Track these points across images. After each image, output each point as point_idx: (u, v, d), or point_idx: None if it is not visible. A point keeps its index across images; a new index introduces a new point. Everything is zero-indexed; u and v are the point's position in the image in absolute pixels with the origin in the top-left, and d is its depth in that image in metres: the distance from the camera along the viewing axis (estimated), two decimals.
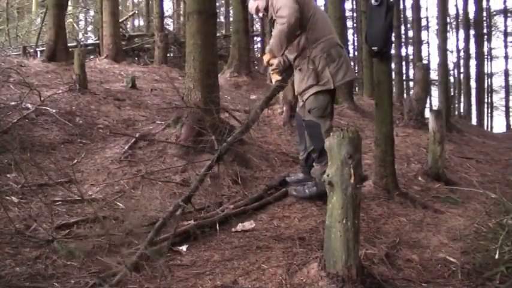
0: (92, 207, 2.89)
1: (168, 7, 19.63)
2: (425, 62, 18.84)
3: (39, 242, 2.48)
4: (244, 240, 2.72)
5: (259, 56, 3.53)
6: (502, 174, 5.10)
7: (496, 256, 2.34)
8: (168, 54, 11.39)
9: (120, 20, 11.30)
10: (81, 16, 19.01)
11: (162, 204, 3.18)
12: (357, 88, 15.30)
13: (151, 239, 2.42)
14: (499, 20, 21.10)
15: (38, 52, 10.21)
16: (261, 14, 3.35)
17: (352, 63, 17.57)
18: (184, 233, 2.67)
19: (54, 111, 4.91)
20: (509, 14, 20.64)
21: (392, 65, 8.04)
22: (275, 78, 3.33)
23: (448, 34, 15.03)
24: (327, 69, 3.09)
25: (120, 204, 3.21)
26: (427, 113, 5.99)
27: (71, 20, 14.47)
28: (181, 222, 2.74)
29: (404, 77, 18.01)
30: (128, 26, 17.20)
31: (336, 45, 3.17)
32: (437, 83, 14.23)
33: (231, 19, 11.59)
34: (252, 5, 3.34)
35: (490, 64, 20.87)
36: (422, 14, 20.36)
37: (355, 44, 20.74)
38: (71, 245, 2.49)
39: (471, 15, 18.17)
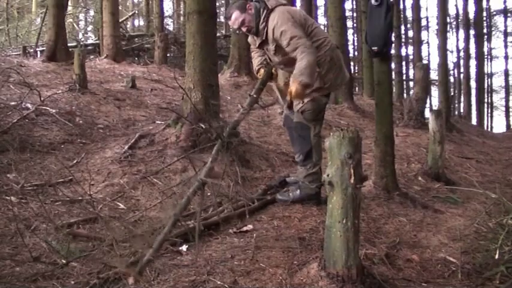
0: (94, 208, 2.89)
1: (168, 7, 19.62)
2: (425, 62, 18.80)
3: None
4: (244, 240, 2.72)
5: (281, 89, 3.12)
6: (502, 174, 5.10)
7: (496, 256, 2.34)
8: (168, 54, 11.38)
9: (120, 20, 11.28)
10: (81, 16, 18.98)
11: (162, 204, 3.19)
12: (357, 88, 15.29)
13: (175, 221, 2.41)
14: (499, 20, 21.13)
15: (38, 52, 10.20)
16: (244, 29, 3.11)
17: (352, 63, 17.62)
18: (185, 233, 2.66)
19: (54, 111, 4.91)
20: (509, 14, 20.65)
21: (393, 65, 8.04)
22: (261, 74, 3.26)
23: (448, 34, 15.03)
24: (330, 72, 3.09)
25: (121, 204, 3.21)
26: (427, 113, 5.99)
27: (71, 20, 14.46)
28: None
29: (404, 77, 18.01)
30: (128, 26, 17.18)
31: (335, 48, 3.18)
32: (437, 83, 14.22)
33: None
34: (236, 17, 3.07)
35: (490, 64, 20.90)
36: (422, 14, 20.41)
37: (355, 44, 20.74)
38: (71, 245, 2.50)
39: (471, 15, 18.20)
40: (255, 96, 3.06)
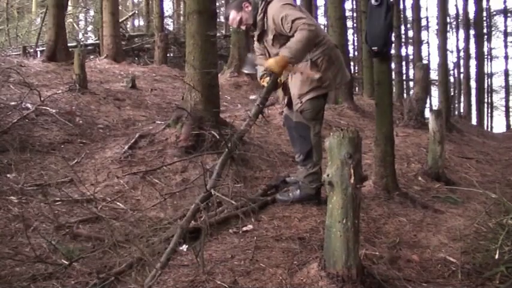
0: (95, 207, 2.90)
1: (168, 7, 19.61)
2: (425, 62, 18.80)
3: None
4: (244, 240, 2.72)
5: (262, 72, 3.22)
6: (502, 174, 5.10)
7: (496, 256, 2.34)
8: (168, 54, 11.39)
9: (120, 20, 11.29)
10: (81, 16, 18.99)
11: (162, 204, 3.19)
12: (357, 88, 15.28)
13: (181, 232, 2.43)
14: (499, 20, 21.12)
15: (38, 52, 10.21)
16: (243, 27, 3.19)
17: (352, 63, 17.62)
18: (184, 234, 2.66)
19: (54, 111, 4.91)
20: (509, 14, 20.64)
21: (393, 65, 8.03)
22: (266, 81, 3.26)
23: (448, 34, 15.02)
24: (329, 71, 3.09)
25: (121, 204, 3.21)
26: (427, 113, 5.98)
27: (71, 20, 14.46)
28: None
29: (404, 77, 17.99)
30: (128, 26, 17.19)
31: (334, 47, 3.18)
32: (437, 83, 14.22)
33: None
34: (233, 17, 3.15)
35: (490, 64, 20.89)
36: (422, 14, 20.40)
37: (355, 44, 20.74)
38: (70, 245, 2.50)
39: (471, 15, 18.18)
40: (260, 106, 3.06)
